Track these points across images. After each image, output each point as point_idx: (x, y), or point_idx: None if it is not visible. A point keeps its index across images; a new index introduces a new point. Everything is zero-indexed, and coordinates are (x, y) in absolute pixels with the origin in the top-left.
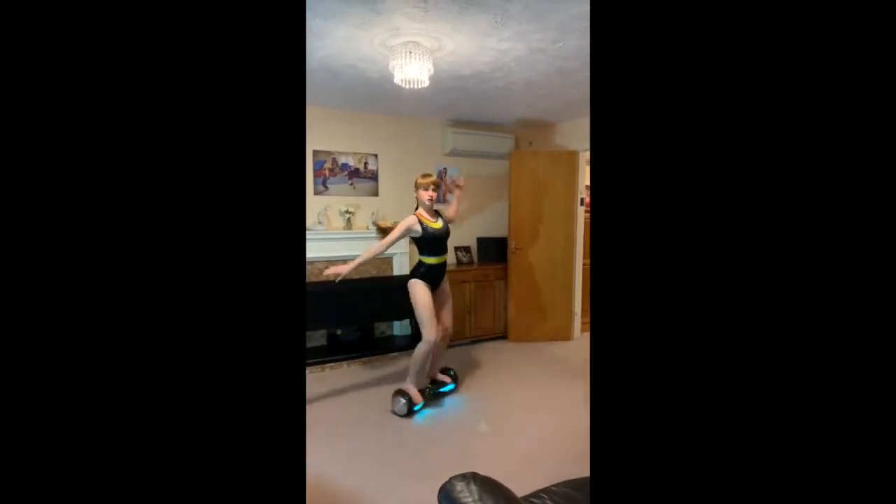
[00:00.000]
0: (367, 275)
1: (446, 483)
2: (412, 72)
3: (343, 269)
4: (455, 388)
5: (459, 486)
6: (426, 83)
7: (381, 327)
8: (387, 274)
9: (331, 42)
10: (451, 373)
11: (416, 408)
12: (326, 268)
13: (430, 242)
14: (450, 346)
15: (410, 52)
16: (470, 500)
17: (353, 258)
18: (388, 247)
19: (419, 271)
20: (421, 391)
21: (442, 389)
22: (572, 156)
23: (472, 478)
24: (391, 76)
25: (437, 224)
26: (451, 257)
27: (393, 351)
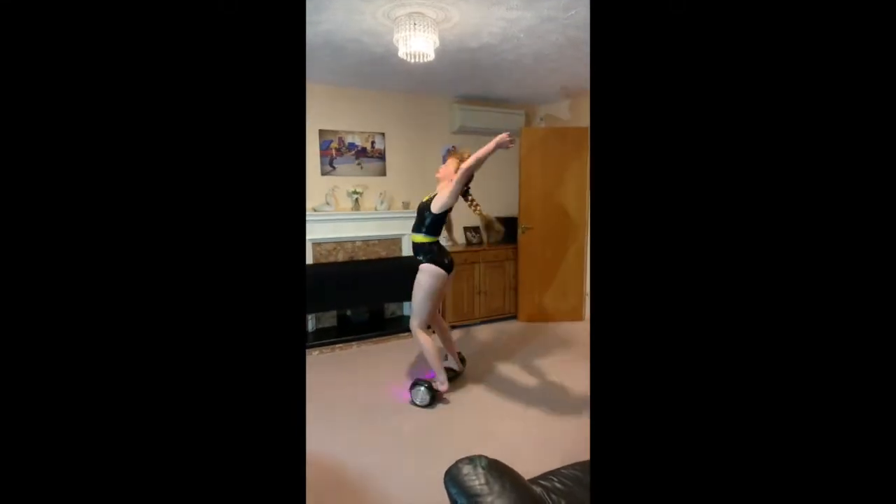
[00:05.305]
0: (375, 256)
1: (453, 466)
2: (417, 45)
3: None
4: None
5: (466, 469)
6: (431, 56)
7: (391, 308)
8: (395, 255)
9: (332, 15)
10: (413, 386)
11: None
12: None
13: None
14: (453, 327)
15: (415, 24)
16: (476, 483)
17: (361, 239)
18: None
19: None
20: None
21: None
22: (583, 133)
23: (479, 461)
24: (396, 50)
25: (425, 197)
26: (459, 237)
27: (402, 332)
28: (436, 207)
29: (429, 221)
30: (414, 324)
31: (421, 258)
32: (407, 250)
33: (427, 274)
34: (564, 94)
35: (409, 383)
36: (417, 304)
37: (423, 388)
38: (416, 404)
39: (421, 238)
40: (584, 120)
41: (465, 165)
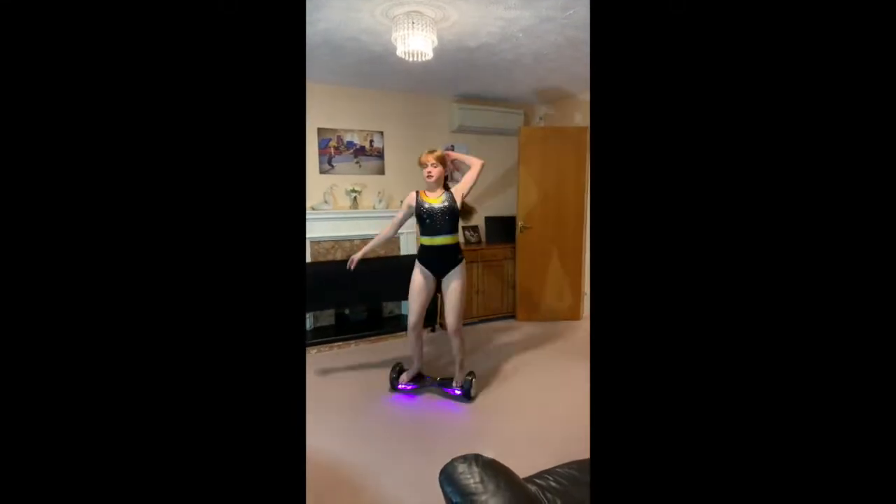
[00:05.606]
0: (374, 254)
1: (448, 464)
2: (416, 44)
3: (357, 256)
4: (462, 395)
5: (461, 467)
6: (430, 56)
7: (389, 307)
8: (394, 254)
9: (330, 13)
10: (464, 382)
11: (399, 386)
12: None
13: (422, 220)
14: None
15: (413, 23)
16: (472, 481)
17: (360, 238)
18: (396, 228)
19: (418, 252)
20: (417, 377)
21: (446, 389)
22: (582, 132)
23: (475, 459)
24: (395, 49)
25: (436, 200)
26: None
27: (401, 330)
28: (458, 204)
29: (454, 220)
30: (460, 324)
31: (461, 257)
32: (406, 249)
33: (465, 270)
34: (543, 98)
35: (406, 382)
36: (460, 304)
37: (473, 379)
38: (473, 398)
39: (455, 238)
40: (572, 121)
41: (474, 172)
